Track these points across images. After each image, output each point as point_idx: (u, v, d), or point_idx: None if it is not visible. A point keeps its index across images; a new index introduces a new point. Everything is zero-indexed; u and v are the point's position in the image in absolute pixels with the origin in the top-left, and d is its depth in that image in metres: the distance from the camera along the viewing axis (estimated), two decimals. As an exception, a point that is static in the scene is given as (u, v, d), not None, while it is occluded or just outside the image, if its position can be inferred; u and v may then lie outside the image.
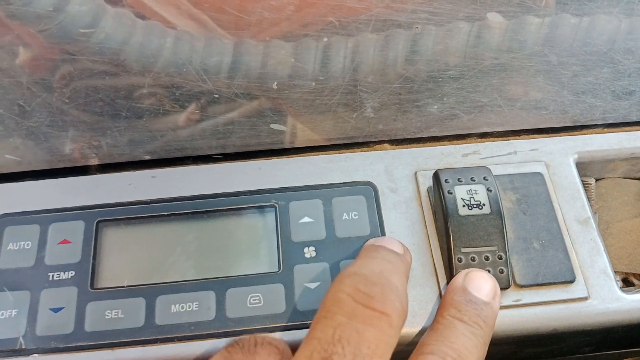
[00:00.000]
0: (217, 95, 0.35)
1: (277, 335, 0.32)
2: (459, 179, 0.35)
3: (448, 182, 0.35)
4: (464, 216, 0.34)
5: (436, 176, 0.36)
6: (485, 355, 0.30)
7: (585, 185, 0.38)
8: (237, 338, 0.29)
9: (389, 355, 0.27)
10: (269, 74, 0.35)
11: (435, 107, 0.37)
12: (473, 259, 0.33)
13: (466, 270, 0.33)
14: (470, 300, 0.31)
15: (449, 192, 0.35)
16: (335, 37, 0.33)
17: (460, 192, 0.35)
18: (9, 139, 0.35)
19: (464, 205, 0.34)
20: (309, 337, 0.26)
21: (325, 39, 0.32)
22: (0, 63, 0.32)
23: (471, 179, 0.35)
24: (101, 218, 0.36)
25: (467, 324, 0.30)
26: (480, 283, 0.32)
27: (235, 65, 0.35)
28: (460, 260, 0.33)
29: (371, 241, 0.34)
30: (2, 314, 0.33)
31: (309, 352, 0.26)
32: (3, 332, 0.33)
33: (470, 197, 0.35)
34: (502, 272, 0.33)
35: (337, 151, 0.39)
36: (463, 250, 0.33)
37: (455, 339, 0.29)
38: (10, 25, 0.34)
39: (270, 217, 0.36)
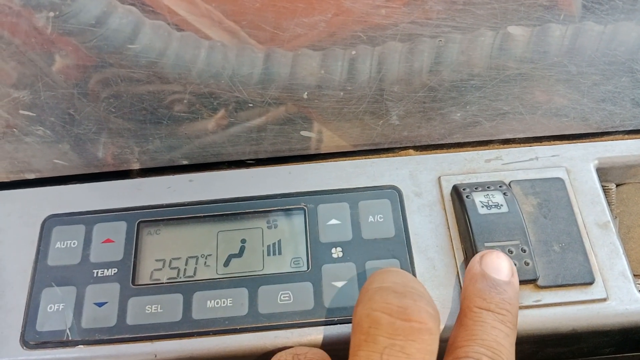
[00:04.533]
0: (250, 105, 0.37)
1: (305, 330, 0.34)
2: (475, 188, 0.37)
3: (466, 190, 0.37)
4: (483, 215, 0.35)
5: (455, 189, 0.37)
6: (515, 338, 0.30)
7: (605, 191, 0.39)
8: (278, 356, 0.30)
9: None
10: (299, 84, 0.37)
11: (459, 114, 0.38)
12: (496, 256, 0.35)
13: (480, 254, 0.33)
14: (492, 285, 0.31)
15: (467, 197, 0.36)
16: (362, 47, 0.35)
17: (478, 197, 0.36)
18: (58, 144, 0.38)
19: (482, 206, 0.36)
20: None
21: (354, 52, 0.33)
22: (54, 76, 0.34)
23: (487, 187, 0.37)
24: (142, 219, 0.38)
25: (495, 312, 0.30)
26: (497, 264, 0.32)
27: (267, 76, 0.37)
28: (483, 257, 0.34)
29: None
30: (50, 308, 0.36)
31: None
32: (51, 325, 0.35)
33: (487, 200, 0.36)
34: (527, 264, 0.34)
35: (364, 157, 0.41)
36: (486, 244, 0.35)
37: (487, 334, 0.29)
38: (60, 38, 0.37)
39: (299, 219, 0.38)
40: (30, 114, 0.36)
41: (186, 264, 0.37)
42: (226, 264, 0.37)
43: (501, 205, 0.36)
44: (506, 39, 0.34)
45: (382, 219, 0.38)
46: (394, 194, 0.39)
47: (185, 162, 0.41)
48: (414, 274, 0.36)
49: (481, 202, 0.36)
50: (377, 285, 0.29)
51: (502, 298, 0.30)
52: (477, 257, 0.33)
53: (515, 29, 0.33)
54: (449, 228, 0.37)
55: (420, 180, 0.39)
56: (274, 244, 0.38)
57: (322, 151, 0.40)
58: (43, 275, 0.37)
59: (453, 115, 0.38)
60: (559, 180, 0.38)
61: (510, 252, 0.34)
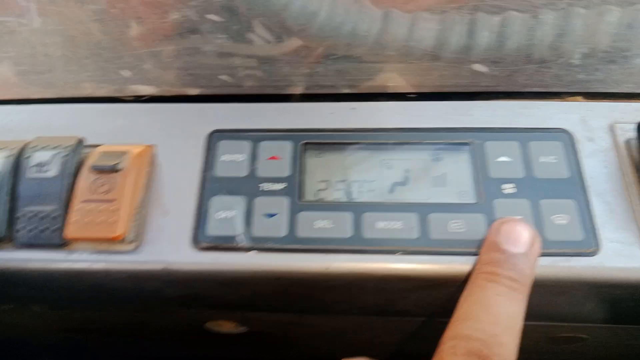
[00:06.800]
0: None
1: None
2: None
3: (656, 133, 0.35)
4: (674, 165, 0.34)
5: (640, 127, 0.36)
6: (525, 309, 0.30)
7: None
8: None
9: None
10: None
11: (642, 59, 0.37)
12: (681, 209, 0.33)
13: (499, 222, 0.33)
14: (504, 258, 0.31)
15: (658, 142, 0.35)
16: None
17: (670, 143, 0.35)
18: (230, 58, 0.38)
19: (674, 155, 0.34)
20: None
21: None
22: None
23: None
24: (307, 140, 0.38)
25: (503, 286, 0.30)
26: (514, 235, 0.32)
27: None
28: (667, 209, 0.33)
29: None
30: (220, 215, 0.36)
31: None
32: (222, 230, 0.35)
33: (679, 148, 0.34)
34: None
35: (531, 99, 0.39)
36: (672, 198, 0.33)
37: (492, 305, 0.29)
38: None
39: (465, 154, 0.37)
40: (219, 19, 0.36)
41: (350, 187, 0.37)
42: (391, 190, 0.37)
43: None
44: None
45: (555, 160, 0.37)
46: (565, 137, 0.37)
47: (347, 91, 0.40)
48: (592, 216, 0.35)
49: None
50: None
51: (513, 273, 0.31)
52: (496, 224, 0.33)
53: None
54: (625, 175, 0.36)
55: (592, 126, 0.38)
56: (438, 176, 0.37)
57: (488, 90, 0.39)
58: (211, 184, 0.37)
59: (636, 60, 0.37)
60: None
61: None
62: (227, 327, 0.43)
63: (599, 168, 0.36)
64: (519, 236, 0.32)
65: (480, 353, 0.28)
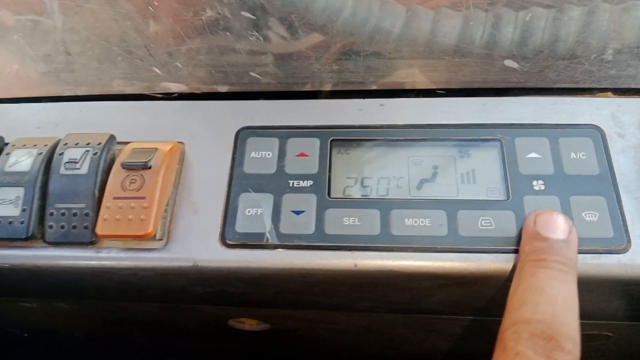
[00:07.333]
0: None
1: (509, 257, 0.33)
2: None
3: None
4: None
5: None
6: (576, 293, 0.30)
7: None
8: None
9: None
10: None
11: (676, 54, 0.36)
12: None
13: (534, 214, 0.33)
14: (548, 245, 0.31)
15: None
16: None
17: None
18: (258, 56, 0.38)
19: None
20: None
21: None
22: None
23: None
24: (334, 137, 0.38)
25: (553, 269, 0.30)
26: (553, 223, 0.32)
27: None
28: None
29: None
30: (249, 212, 0.36)
31: None
32: (250, 227, 0.36)
33: None
34: None
35: (561, 95, 0.39)
36: None
37: (546, 287, 0.29)
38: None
39: (495, 150, 0.37)
40: (251, 16, 0.36)
41: (378, 184, 0.37)
42: (419, 187, 0.37)
43: None
44: None
45: (584, 157, 0.36)
46: (596, 133, 0.37)
47: (375, 87, 0.40)
48: (622, 213, 0.34)
49: None
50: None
51: (559, 257, 0.31)
52: (532, 215, 0.33)
53: None
54: (657, 171, 0.36)
55: (623, 122, 0.38)
56: (467, 173, 0.37)
57: (519, 85, 0.39)
58: (240, 181, 0.37)
59: (669, 55, 0.36)
60: None
61: None
62: (249, 324, 0.44)
63: (630, 164, 0.36)
64: (558, 224, 0.32)
65: (545, 334, 0.27)
